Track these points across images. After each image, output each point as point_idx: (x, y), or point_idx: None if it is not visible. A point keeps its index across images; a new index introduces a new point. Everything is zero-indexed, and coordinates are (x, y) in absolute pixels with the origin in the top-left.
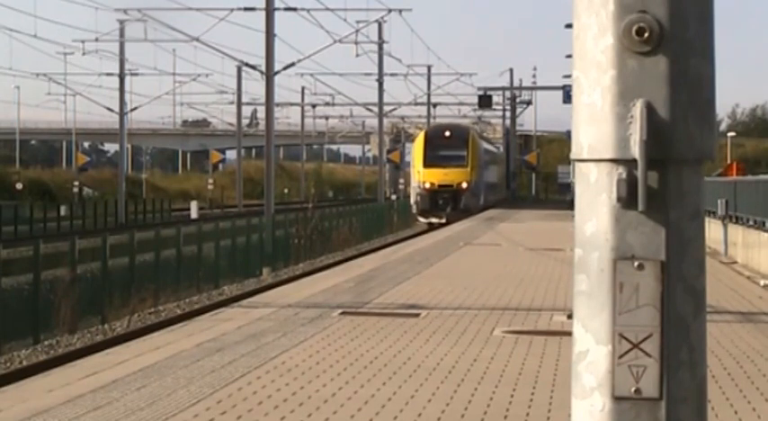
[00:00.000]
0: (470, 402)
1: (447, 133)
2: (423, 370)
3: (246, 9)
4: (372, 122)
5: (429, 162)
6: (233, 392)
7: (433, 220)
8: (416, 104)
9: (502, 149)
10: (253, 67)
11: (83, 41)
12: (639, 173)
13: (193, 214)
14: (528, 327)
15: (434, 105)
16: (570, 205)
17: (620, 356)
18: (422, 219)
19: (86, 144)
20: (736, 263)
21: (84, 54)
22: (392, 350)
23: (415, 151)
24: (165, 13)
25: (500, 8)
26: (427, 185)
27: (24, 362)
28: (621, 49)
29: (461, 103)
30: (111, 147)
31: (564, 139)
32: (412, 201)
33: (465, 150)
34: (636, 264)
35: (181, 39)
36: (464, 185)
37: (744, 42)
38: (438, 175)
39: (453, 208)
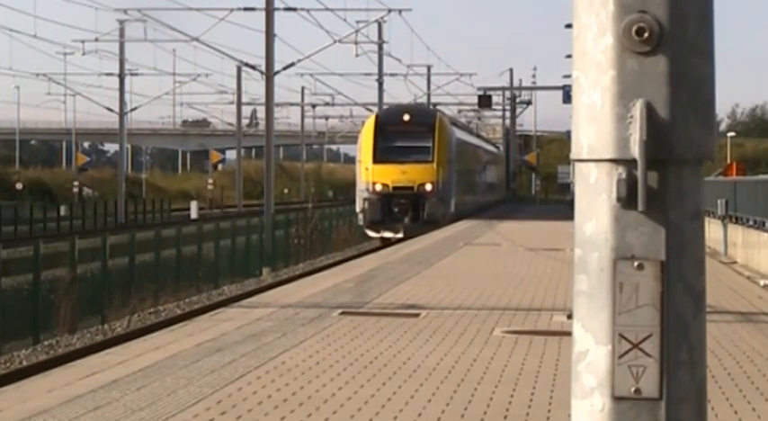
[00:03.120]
0: (470, 402)
1: (406, 117)
2: (423, 370)
3: (246, 9)
4: None
5: (381, 156)
6: (233, 392)
7: (387, 235)
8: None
9: (501, 149)
10: (253, 67)
11: (83, 41)
12: (639, 173)
13: (193, 214)
14: (528, 327)
15: (434, 105)
16: (570, 205)
17: (620, 356)
18: (371, 234)
19: (86, 144)
20: (736, 263)
21: (84, 54)
22: (392, 350)
23: (363, 141)
24: (164, 13)
25: (500, 8)
26: (378, 187)
27: (24, 362)
28: (621, 49)
29: (461, 103)
30: (111, 147)
31: (564, 139)
32: (357, 208)
33: (430, 140)
34: (636, 264)
35: (181, 39)
36: (428, 187)
37: (744, 42)
38: (393, 174)
39: (414, 218)
